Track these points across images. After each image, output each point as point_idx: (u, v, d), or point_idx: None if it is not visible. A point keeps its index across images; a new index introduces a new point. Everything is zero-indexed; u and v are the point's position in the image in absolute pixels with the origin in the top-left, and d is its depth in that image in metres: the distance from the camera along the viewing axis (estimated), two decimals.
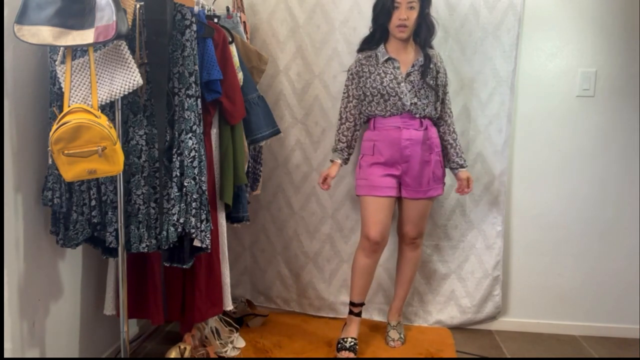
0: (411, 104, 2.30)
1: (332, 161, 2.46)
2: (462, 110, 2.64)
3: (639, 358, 2.49)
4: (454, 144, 2.44)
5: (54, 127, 1.55)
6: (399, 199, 2.44)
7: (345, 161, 2.47)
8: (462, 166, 2.44)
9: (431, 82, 2.32)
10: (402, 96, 2.29)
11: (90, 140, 1.56)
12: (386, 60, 2.32)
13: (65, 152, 1.55)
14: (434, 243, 2.75)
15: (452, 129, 2.44)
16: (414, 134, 2.32)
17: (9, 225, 1.69)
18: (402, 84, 2.30)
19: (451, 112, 2.45)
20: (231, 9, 2.54)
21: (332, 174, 2.41)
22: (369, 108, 2.37)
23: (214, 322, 2.37)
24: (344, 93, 2.43)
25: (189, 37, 1.86)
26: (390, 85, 2.30)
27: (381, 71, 2.32)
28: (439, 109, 2.39)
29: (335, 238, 2.80)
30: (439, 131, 2.42)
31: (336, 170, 2.43)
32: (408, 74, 2.31)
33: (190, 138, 1.87)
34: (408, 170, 2.34)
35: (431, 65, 2.33)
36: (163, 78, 1.83)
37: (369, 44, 2.40)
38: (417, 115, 2.32)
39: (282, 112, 2.75)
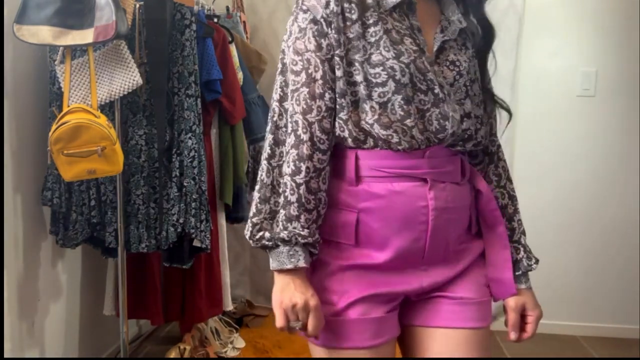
0: (463, 117, 0.97)
1: (281, 271, 0.98)
2: None
3: (639, 358, 2.49)
4: (512, 217, 1.10)
5: (54, 127, 1.55)
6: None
7: (312, 253, 0.97)
8: (522, 274, 1.08)
9: (476, 67, 1.08)
10: (443, 97, 0.95)
11: (90, 140, 1.55)
12: (397, 6, 0.96)
13: (65, 152, 1.55)
14: None
15: (504, 179, 1.10)
16: (455, 194, 0.98)
17: (8, 225, 1.68)
18: (436, 70, 0.96)
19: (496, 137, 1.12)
20: (231, 8, 2.53)
21: (308, 305, 0.94)
22: (352, 119, 0.95)
23: (213, 322, 2.37)
24: (295, 78, 0.96)
25: (188, 36, 1.85)
26: (419, 65, 0.94)
27: (390, 26, 0.95)
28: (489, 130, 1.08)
29: None
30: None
31: (309, 291, 0.95)
32: (442, 48, 0.99)
33: (189, 138, 1.86)
34: (439, 279, 1.00)
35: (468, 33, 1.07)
36: (162, 78, 1.82)
37: None
38: (467, 148, 1.00)
39: None
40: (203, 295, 2.13)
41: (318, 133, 0.94)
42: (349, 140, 0.95)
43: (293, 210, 0.93)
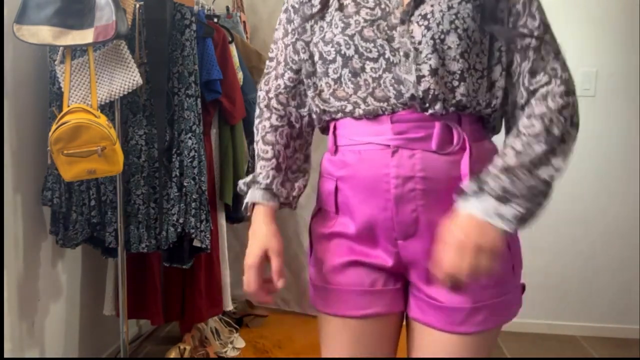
0: (421, 77, 0.89)
1: (247, 214, 1.06)
2: None
3: (639, 358, 2.49)
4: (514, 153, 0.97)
5: (54, 127, 1.55)
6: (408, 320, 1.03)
7: (285, 199, 1.04)
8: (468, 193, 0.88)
9: (472, 13, 0.89)
10: (396, 60, 0.90)
11: (90, 140, 1.55)
12: None
13: (65, 152, 1.55)
14: None
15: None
16: (428, 163, 0.90)
17: (8, 225, 1.68)
18: (401, 31, 0.90)
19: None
20: (231, 8, 2.54)
21: (266, 248, 1.04)
22: (320, 96, 0.99)
23: (213, 322, 2.37)
24: (269, 63, 1.07)
25: (188, 36, 1.85)
26: (367, 33, 0.91)
27: (349, 0, 0.94)
28: (499, 93, 0.94)
29: None
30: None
31: (269, 232, 1.01)
32: (420, 2, 0.89)
33: (189, 138, 1.87)
34: (417, 257, 0.94)
35: None
36: (162, 78, 1.82)
37: None
38: (437, 110, 0.90)
39: None
40: (203, 295, 2.13)
41: (274, 104, 1.05)
42: (321, 114, 1.01)
43: (257, 164, 1.05)
